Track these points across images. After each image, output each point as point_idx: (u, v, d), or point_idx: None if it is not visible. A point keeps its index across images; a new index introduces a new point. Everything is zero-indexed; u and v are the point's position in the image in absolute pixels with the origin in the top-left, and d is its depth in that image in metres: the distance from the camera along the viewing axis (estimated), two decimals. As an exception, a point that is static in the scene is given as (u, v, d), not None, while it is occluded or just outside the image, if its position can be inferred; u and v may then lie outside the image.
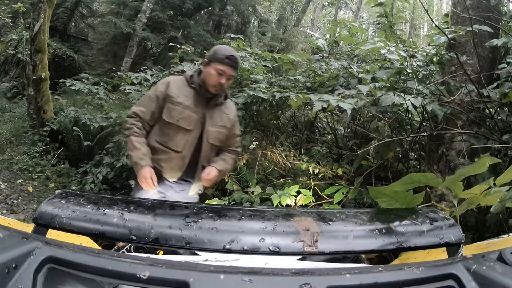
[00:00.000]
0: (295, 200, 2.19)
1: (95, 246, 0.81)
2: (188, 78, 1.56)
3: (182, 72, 3.35)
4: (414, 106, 1.98)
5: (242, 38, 3.69)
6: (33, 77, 4.74)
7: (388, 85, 2.53)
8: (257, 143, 3.11)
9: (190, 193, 1.60)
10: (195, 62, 3.37)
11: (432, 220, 0.63)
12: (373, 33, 15.13)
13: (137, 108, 1.56)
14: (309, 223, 0.59)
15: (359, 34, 3.83)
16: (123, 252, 0.88)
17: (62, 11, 8.83)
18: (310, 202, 2.23)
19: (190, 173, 1.57)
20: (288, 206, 2.15)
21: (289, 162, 2.94)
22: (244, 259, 0.63)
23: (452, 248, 0.61)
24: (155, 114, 1.54)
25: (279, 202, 2.13)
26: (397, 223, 0.62)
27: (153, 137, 1.55)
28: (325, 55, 3.20)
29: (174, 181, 1.57)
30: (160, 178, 1.53)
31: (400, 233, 0.59)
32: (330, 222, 0.61)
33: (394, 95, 2.04)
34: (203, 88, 1.52)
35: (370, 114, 2.67)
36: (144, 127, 1.55)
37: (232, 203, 2.30)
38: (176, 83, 1.56)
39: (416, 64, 2.59)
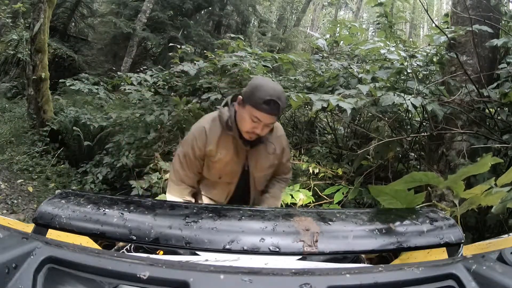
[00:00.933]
0: (297, 199, 2.20)
1: (95, 246, 0.81)
2: (224, 124, 1.27)
3: (183, 72, 3.36)
4: (414, 106, 1.98)
5: (242, 38, 3.69)
6: (33, 77, 4.75)
7: (388, 85, 2.53)
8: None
9: None
10: (195, 62, 3.37)
11: (432, 220, 0.63)
12: (373, 33, 15.13)
13: (181, 173, 1.33)
14: (309, 223, 0.59)
15: (359, 34, 3.83)
16: (123, 252, 0.88)
17: (62, 11, 8.83)
18: (310, 202, 2.23)
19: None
20: (288, 206, 2.15)
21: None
22: (244, 259, 0.63)
23: (452, 248, 0.61)
24: (199, 172, 1.36)
25: (282, 201, 2.14)
26: (397, 223, 0.62)
27: (202, 188, 1.42)
28: (325, 55, 3.21)
29: None
30: None
31: (400, 233, 0.59)
32: (330, 222, 0.61)
33: (394, 95, 2.04)
34: (239, 133, 1.26)
35: (370, 114, 2.67)
36: (192, 186, 1.37)
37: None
38: (213, 132, 1.29)
39: (416, 64, 2.59)
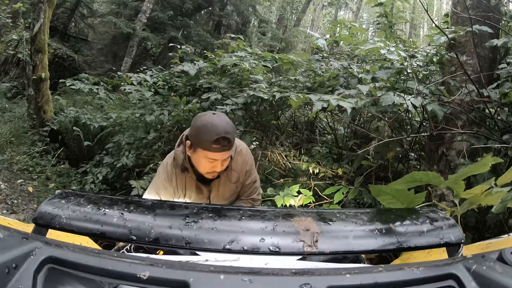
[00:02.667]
0: (297, 200, 2.20)
1: (95, 246, 0.81)
2: (181, 166, 1.25)
3: (183, 72, 3.36)
4: (414, 106, 1.98)
5: (242, 38, 3.69)
6: (33, 77, 4.75)
7: (388, 85, 2.53)
8: (257, 143, 3.11)
9: None
10: (195, 62, 3.37)
11: (432, 220, 0.63)
12: (373, 33, 15.14)
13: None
14: (309, 223, 0.59)
15: (359, 34, 3.83)
16: (123, 252, 0.88)
17: (62, 11, 8.83)
18: (310, 202, 2.23)
19: None
20: (289, 206, 2.15)
21: (289, 162, 2.94)
22: (244, 259, 0.63)
23: (452, 248, 0.61)
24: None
25: (283, 202, 2.14)
26: (397, 223, 0.62)
27: None
28: (325, 55, 3.20)
29: None
30: None
31: (400, 233, 0.59)
32: (330, 222, 0.61)
33: (394, 95, 2.04)
34: (200, 174, 1.24)
35: (370, 114, 2.67)
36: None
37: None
38: (172, 177, 1.29)
39: (416, 64, 2.59)
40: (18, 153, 4.61)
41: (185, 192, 1.30)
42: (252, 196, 1.43)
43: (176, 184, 1.29)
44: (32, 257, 0.44)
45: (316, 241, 0.55)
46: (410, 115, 2.52)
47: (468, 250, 0.70)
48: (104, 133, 4.39)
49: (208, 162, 1.16)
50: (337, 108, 2.36)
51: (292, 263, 0.70)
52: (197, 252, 0.71)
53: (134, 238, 0.55)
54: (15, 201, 3.43)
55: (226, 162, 1.20)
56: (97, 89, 5.35)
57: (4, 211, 3.16)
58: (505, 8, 2.49)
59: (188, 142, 1.18)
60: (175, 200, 1.31)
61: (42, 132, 4.74)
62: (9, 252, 0.43)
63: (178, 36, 8.48)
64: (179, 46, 3.88)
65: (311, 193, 2.28)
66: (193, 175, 1.25)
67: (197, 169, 1.21)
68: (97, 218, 0.58)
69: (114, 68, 7.05)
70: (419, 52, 2.70)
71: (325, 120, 3.68)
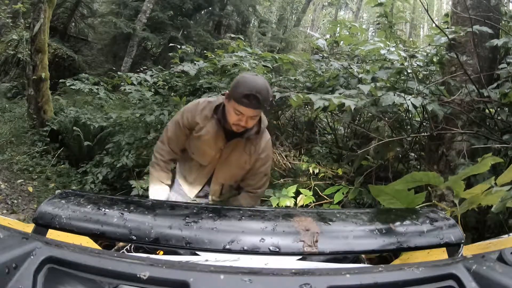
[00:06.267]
0: (295, 201, 2.19)
1: (95, 246, 0.81)
2: (213, 108, 1.36)
3: (183, 72, 3.36)
4: (414, 106, 1.98)
5: (242, 38, 3.69)
6: (33, 77, 4.75)
7: (388, 85, 2.53)
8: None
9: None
10: (195, 62, 3.37)
11: (432, 220, 0.63)
12: (373, 33, 15.13)
13: (168, 134, 1.46)
14: (309, 223, 0.59)
15: (359, 34, 3.83)
16: (123, 252, 0.88)
17: (62, 11, 8.84)
18: (311, 202, 2.23)
19: (202, 196, 1.53)
20: (287, 206, 2.15)
21: (289, 162, 2.94)
22: (244, 259, 0.63)
23: (452, 248, 0.61)
24: (184, 142, 1.46)
25: (277, 204, 2.13)
26: (397, 223, 0.62)
27: (179, 163, 1.54)
28: (325, 55, 3.20)
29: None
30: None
31: (400, 233, 0.59)
32: (330, 222, 0.61)
33: (394, 95, 2.04)
34: (225, 123, 1.33)
35: (370, 114, 2.67)
36: (174, 151, 1.47)
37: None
38: (205, 110, 1.39)
39: (416, 64, 2.59)
40: (18, 153, 4.61)
41: (205, 130, 1.37)
42: (257, 190, 1.47)
43: (203, 119, 1.37)
44: (32, 257, 0.44)
45: (316, 241, 0.55)
46: (410, 115, 2.52)
47: (468, 250, 0.70)
48: (104, 133, 4.39)
49: (235, 115, 1.25)
50: (337, 108, 2.36)
51: (292, 263, 0.70)
52: (197, 252, 0.71)
53: (134, 238, 0.55)
54: (15, 201, 3.43)
55: (252, 121, 1.28)
56: (97, 89, 5.34)
57: (4, 211, 3.16)
58: (505, 8, 2.49)
59: (227, 92, 1.30)
60: (195, 133, 1.39)
61: (42, 132, 4.74)
62: (9, 252, 0.43)
63: (178, 36, 8.48)
64: (179, 46, 3.88)
65: (311, 193, 2.28)
66: (221, 119, 1.33)
67: (227, 118, 1.29)
68: (97, 218, 0.58)
69: (114, 68, 7.05)
70: (419, 52, 2.70)
71: (325, 120, 3.68)
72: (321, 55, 3.23)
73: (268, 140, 1.45)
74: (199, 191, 1.51)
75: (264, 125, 1.41)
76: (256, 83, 1.21)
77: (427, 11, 2.10)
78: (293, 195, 2.22)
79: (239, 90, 1.20)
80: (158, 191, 1.43)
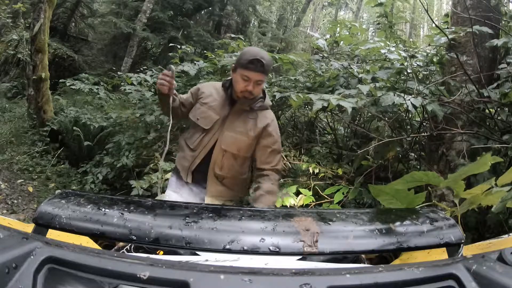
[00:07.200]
0: (296, 199, 2.19)
1: (95, 246, 0.81)
2: (223, 82, 1.53)
3: (183, 72, 3.36)
4: (414, 106, 1.98)
5: (242, 38, 3.69)
6: (33, 77, 4.75)
7: (388, 85, 2.53)
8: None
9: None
10: (195, 62, 3.37)
11: (432, 220, 0.63)
12: (373, 33, 15.11)
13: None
14: (309, 223, 0.59)
15: (359, 34, 3.83)
16: (123, 252, 0.88)
17: (62, 11, 8.83)
18: (311, 202, 2.23)
19: (201, 177, 1.50)
20: (289, 206, 2.15)
21: (289, 162, 2.94)
22: (244, 259, 0.63)
23: (452, 248, 0.61)
24: (188, 105, 1.57)
25: (282, 204, 2.13)
26: (397, 223, 0.62)
27: (182, 136, 1.60)
28: (325, 55, 3.20)
29: (192, 183, 1.53)
30: (180, 179, 1.54)
31: (400, 233, 0.59)
32: (330, 222, 0.61)
33: (394, 95, 2.04)
34: (232, 93, 1.46)
35: (370, 114, 2.67)
36: (183, 104, 1.57)
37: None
38: (215, 86, 1.56)
39: (416, 64, 2.59)
40: (18, 153, 4.61)
41: (211, 98, 1.50)
42: (275, 166, 1.49)
43: (211, 91, 1.53)
44: (32, 257, 0.44)
45: (316, 241, 0.55)
46: (410, 115, 2.52)
47: (468, 250, 0.70)
48: (104, 133, 4.39)
49: (243, 81, 1.37)
50: (337, 108, 2.36)
51: (292, 263, 0.70)
52: (197, 252, 0.71)
53: (134, 238, 0.55)
54: (15, 201, 3.43)
55: (258, 86, 1.40)
56: (97, 89, 5.35)
57: (4, 211, 3.16)
58: (505, 8, 2.49)
59: (233, 65, 1.44)
60: (202, 100, 1.52)
61: (42, 132, 4.74)
62: (9, 252, 0.43)
63: (178, 36, 8.48)
64: (179, 46, 3.88)
65: (311, 193, 2.28)
66: (227, 93, 1.48)
67: (235, 89, 1.42)
68: (97, 218, 0.58)
69: (114, 68, 7.05)
70: (419, 52, 2.70)
71: (325, 120, 3.67)
72: (321, 55, 3.23)
73: (274, 119, 1.54)
74: (192, 178, 1.50)
75: (268, 101, 1.52)
76: (259, 51, 1.39)
77: (427, 11, 2.10)
78: (294, 194, 2.22)
79: (245, 57, 1.35)
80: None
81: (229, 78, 1.50)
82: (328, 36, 3.61)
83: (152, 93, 3.77)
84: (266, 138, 1.48)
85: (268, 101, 1.52)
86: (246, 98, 1.41)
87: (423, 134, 2.36)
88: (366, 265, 0.83)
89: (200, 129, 1.48)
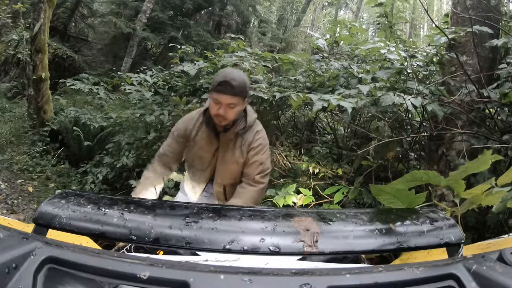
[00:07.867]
0: (297, 197, 2.19)
1: (95, 246, 0.81)
2: (202, 111, 1.44)
3: (183, 72, 3.36)
4: (414, 106, 1.98)
5: (242, 38, 3.69)
6: (33, 77, 4.74)
7: (388, 85, 2.53)
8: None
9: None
10: (195, 62, 3.37)
11: (433, 220, 0.63)
12: (373, 33, 15.12)
13: (163, 148, 1.53)
14: (309, 223, 0.59)
15: (359, 34, 3.83)
16: (123, 252, 0.88)
17: (62, 11, 8.83)
18: (310, 202, 2.23)
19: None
20: (289, 206, 2.15)
21: (289, 162, 2.94)
22: (244, 259, 0.63)
23: (453, 248, 0.61)
24: (179, 153, 1.53)
25: (284, 202, 2.13)
26: (397, 223, 0.62)
27: (186, 167, 1.61)
28: (325, 55, 3.20)
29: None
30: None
31: (400, 233, 0.59)
32: (330, 222, 0.61)
33: (394, 95, 2.04)
34: (212, 123, 1.39)
35: (370, 114, 2.67)
36: (170, 162, 1.52)
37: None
38: (198, 120, 1.47)
39: (416, 64, 2.59)
40: (18, 153, 4.61)
41: (199, 137, 1.46)
42: (260, 180, 1.43)
43: (197, 128, 1.46)
44: (32, 257, 0.44)
45: (316, 241, 0.55)
46: (410, 115, 2.52)
47: (468, 250, 0.70)
48: (104, 133, 4.39)
49: (214, 104, 1.30)
50: (337, 108, 2.36)
51: (292, 263, 0.70)
52: (197, 252, 0.71)
53: (134, 238, 0.55)
54: (15, 201, 3.43)
55: (231, 110, 1.30)
56: (97, 89, 5.35)
57: (4, 211, 3.16)
58: (505, 8, 2.49)
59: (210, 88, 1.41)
60: (191, 143, 1.47)
61: (42, 132, 4.74)
62: (9, 252, 0.43)
63: (178, 36, 8.48)
64: (179, 46, 3.88)
65: (311, 193, 2.28)
66: (208, 125, 1.40)
67: (210, 112, 1.35)
68: (97, 218, 0.57)
69: (114, 68, 7.04)
70: (419, 52, 2.70)
71: (325, 120, 3.68)
72: (321, 55, 3.23)
73: (260, 131, 1.47)
74: (203, 191, 1.56)
75: (251, 118, 1.43)
76: (230, 72, 1.31)
77: (427, 11, 2.10)
78: (294, 193, 2.22)
79: (216, 79, 1.29)
80: (138, 187, 1.49)
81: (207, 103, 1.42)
82: (328, 36, 3.61)
83: (152, 93, 3.77)
84: (252, 154, 1.43)
85: (251, 117, 1.43)
86: (221, 123, 1.34)
87: (423, 134, 2.37)
88: (366, 265, 0.83)
89: (197, 168, 1.51)
